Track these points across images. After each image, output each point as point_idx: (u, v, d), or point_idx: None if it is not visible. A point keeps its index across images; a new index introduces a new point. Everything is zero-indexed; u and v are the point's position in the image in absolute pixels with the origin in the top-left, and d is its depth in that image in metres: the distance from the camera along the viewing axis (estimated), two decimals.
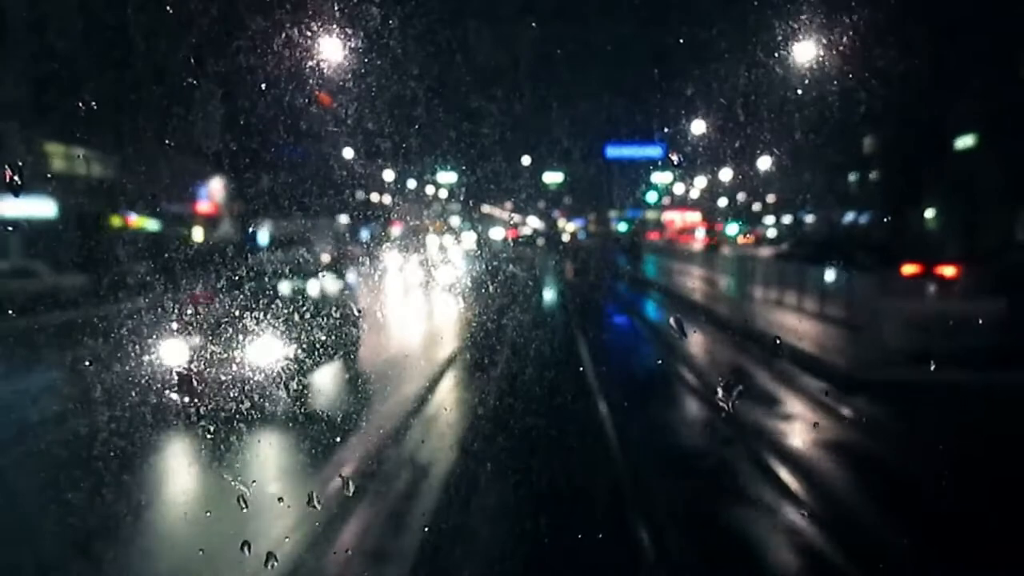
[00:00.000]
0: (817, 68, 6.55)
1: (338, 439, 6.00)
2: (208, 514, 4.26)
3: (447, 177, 12.29)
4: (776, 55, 6.46)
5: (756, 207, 24.34)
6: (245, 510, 3.82)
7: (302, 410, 6.16)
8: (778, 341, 9.64)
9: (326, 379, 7.27)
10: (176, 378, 4.74)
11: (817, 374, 9.41)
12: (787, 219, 23.88)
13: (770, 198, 24.51)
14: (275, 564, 3.63)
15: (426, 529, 5.26)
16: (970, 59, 13.86)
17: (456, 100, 9.24)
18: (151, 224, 10.21)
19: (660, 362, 10.44)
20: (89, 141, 8.69)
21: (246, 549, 3.65)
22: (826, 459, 6.96)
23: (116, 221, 9.68)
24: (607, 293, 16.45)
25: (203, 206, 12.07)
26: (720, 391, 4.52)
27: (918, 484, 5.87)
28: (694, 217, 24.50)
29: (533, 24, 10.07)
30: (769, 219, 24.38)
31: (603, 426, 7.41)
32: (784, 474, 6.48)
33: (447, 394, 8.29)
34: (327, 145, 7.63)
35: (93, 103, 6.01)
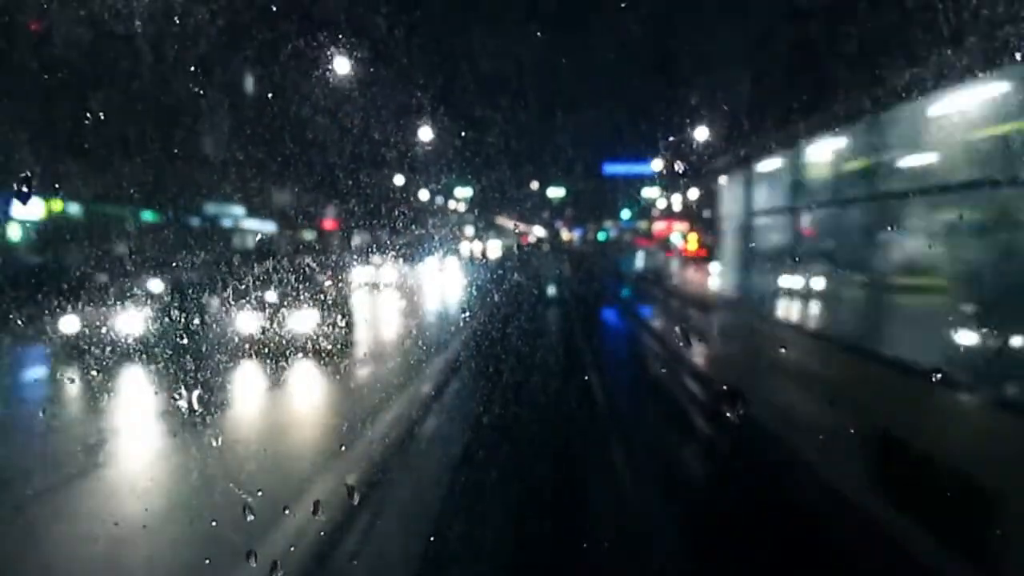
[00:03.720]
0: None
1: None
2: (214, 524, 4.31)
3: (463, 192, 16.14)
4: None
5: None
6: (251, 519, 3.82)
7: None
8: None
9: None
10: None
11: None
12: None
13: None
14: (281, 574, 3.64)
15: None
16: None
17: (477, 125, 10.51)
18: (309, 235, 15.73)
19: (593, 287, 21.83)
20: (283, 185, 13.88)
21: (252, 559, 3.67)
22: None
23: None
24: (585, 274, 23.20)
25: (327, 224, 17.48)
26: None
27: None
28: (681, 227, 28.86)
29: (538, 33, 10.06)
30: None
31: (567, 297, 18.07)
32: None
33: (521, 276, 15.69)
34: (386, 172, 10.26)
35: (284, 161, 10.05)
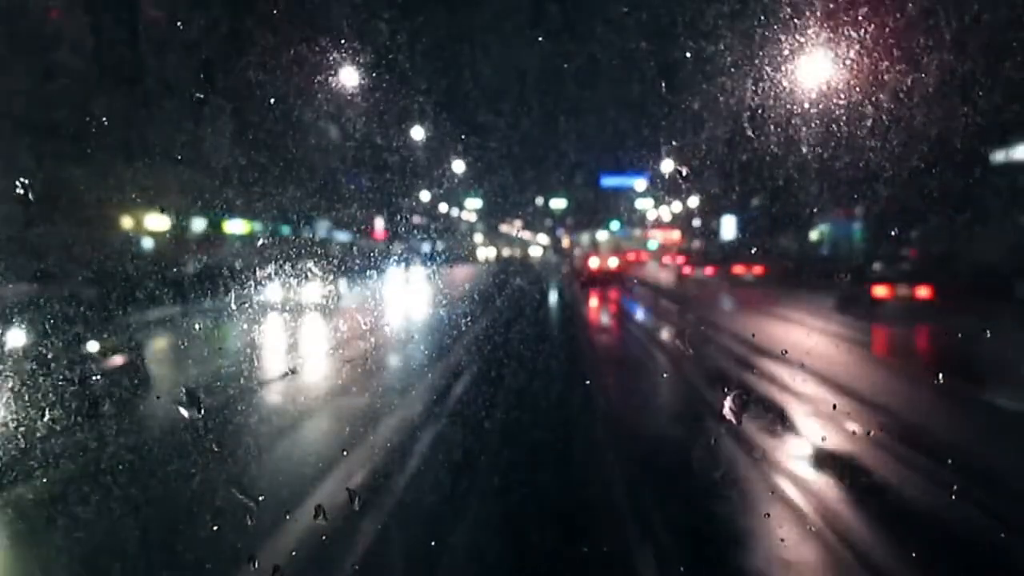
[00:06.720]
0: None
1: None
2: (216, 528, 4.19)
3: (473, 203, 18.33)
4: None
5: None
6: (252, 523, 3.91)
7: None
8: None
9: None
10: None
11: None
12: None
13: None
14: None
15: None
16: None
17: (480, 131, 11.43)
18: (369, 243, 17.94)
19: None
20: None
21: (252, 564, 3.75)
22: None
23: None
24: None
25: (377, 234, 19.72)
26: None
27: None
28: (674, 235, 29.27)
29: (540, 39, 11.19)
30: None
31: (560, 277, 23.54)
32: None
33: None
34: (415, 188, 12.06)
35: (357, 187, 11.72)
